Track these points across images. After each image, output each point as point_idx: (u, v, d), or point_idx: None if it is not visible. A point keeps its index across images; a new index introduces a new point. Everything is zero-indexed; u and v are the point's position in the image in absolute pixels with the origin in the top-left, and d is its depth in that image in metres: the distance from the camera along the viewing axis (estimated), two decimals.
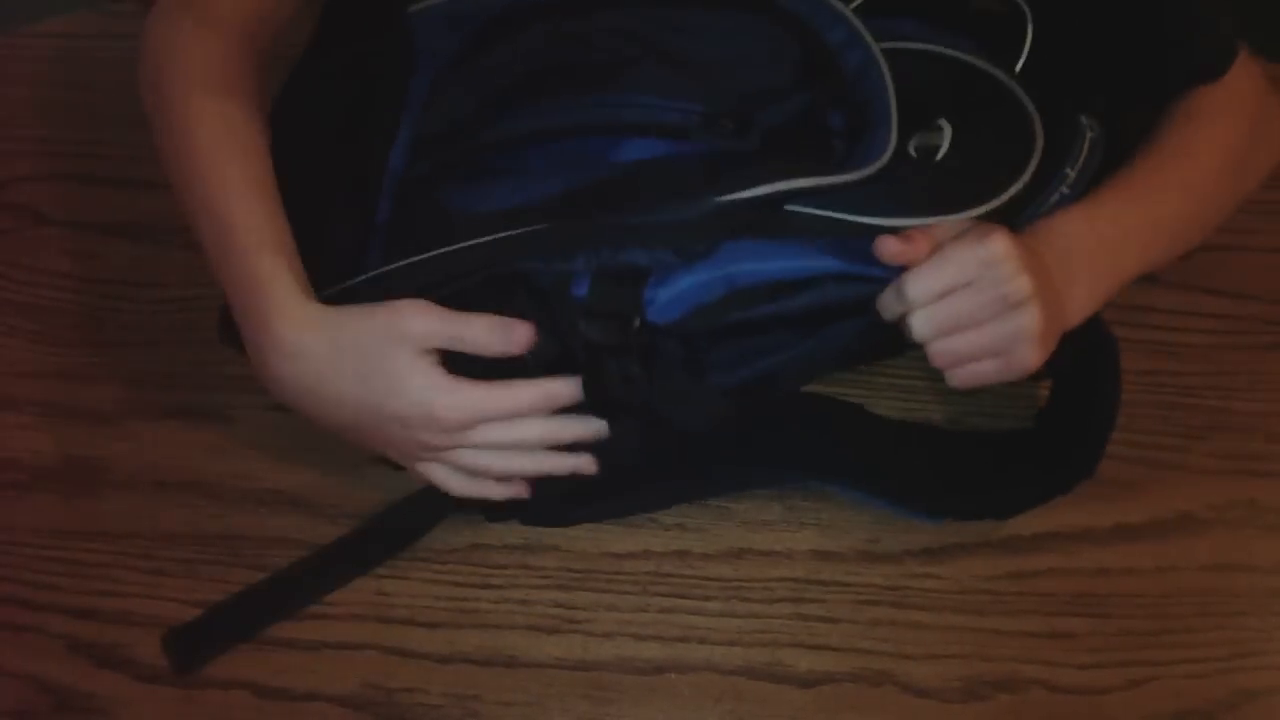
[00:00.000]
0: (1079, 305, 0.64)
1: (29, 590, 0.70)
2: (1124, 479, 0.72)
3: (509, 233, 0.59)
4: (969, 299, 0.59)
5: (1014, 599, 0.70)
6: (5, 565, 0.71)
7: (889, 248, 0.58)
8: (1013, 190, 0.61)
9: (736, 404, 0.64)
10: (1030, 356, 0.60)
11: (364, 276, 0.61)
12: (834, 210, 0.59)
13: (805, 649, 0.69)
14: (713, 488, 0.71)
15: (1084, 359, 0.67)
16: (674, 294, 0.61)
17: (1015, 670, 0.68)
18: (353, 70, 0.68)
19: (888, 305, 0.61)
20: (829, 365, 0.72)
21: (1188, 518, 0.72)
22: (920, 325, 0.60)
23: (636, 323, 0.60)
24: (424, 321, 0.58)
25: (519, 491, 0.65)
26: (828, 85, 0.63)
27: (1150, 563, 0.71)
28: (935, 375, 0.62)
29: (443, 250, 0.60)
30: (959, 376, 0.62)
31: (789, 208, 0.59)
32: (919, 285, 0.59)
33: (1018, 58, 0.66)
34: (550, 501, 0.67)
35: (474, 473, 0.63)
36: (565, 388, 0.61)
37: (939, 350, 0.60)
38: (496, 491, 0.64)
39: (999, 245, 0.58)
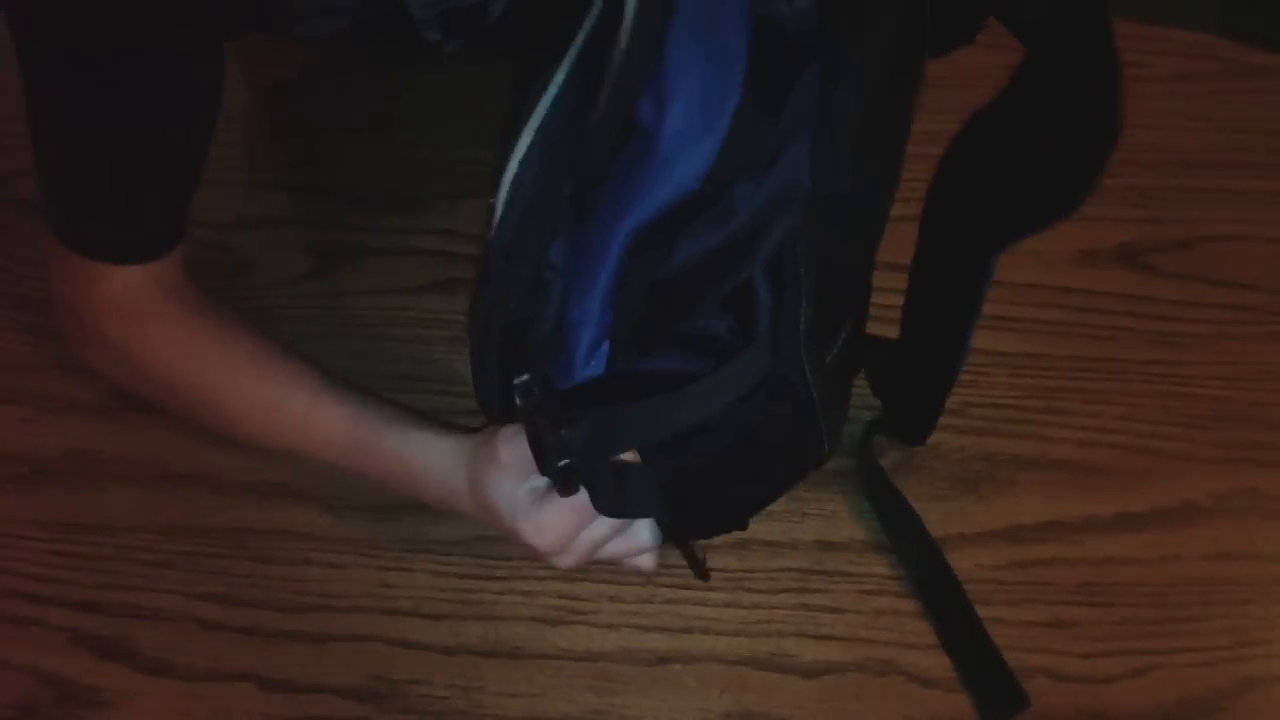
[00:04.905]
0: None
1: (31, 583, 0.70)
2: (1127, 468, 0.73)
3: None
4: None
5: (1017, 588, 0.70)
6: (7, 559, 0.71)
7: None
8: None
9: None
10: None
11: None
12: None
13: (810, 639, 0.69)
14: None
15: None
16: (580, 346, 0.54)
17: (1019, 659, 0.68)
18: None
19: None
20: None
21: (1190, 507, 0.72)
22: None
23: (517, 383, 0.54)
24: (509, 449, 0.58)
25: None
26: None
27: (1153, 552, 0.71)
28: None
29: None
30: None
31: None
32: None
33: None
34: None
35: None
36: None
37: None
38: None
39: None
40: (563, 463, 0.53)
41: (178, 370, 0.65)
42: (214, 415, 0.67)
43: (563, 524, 0.58)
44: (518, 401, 0.54)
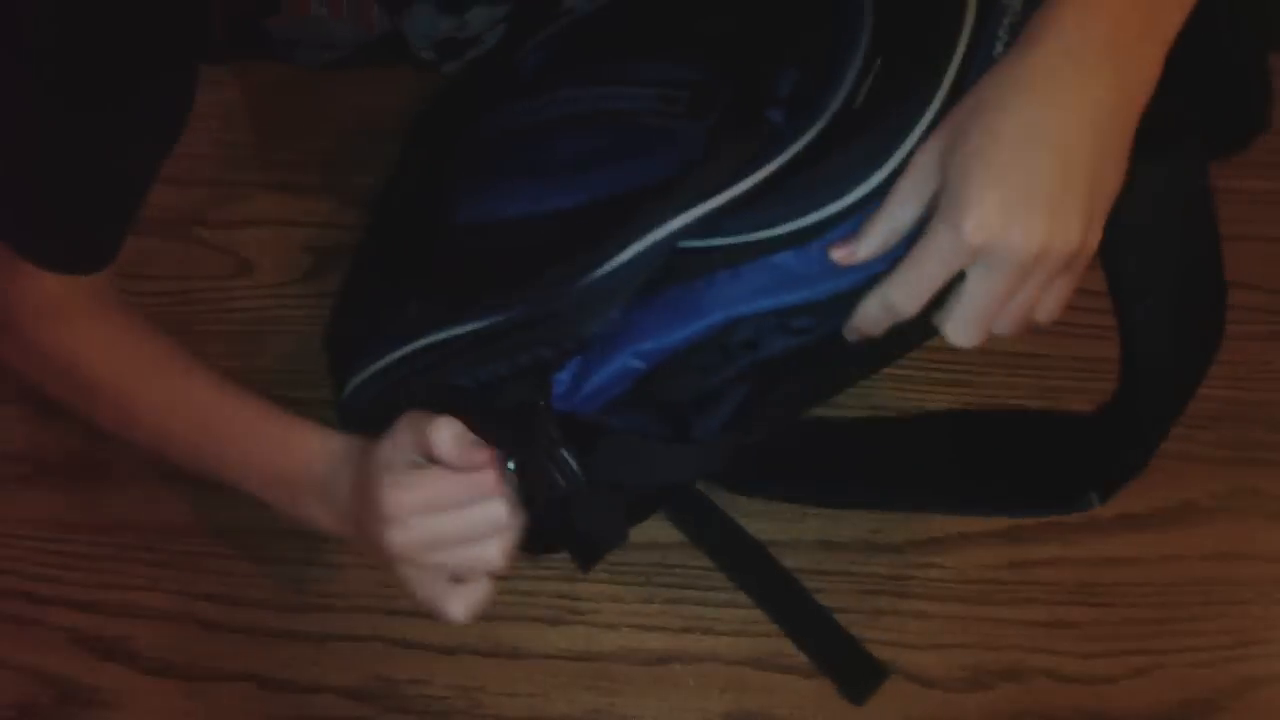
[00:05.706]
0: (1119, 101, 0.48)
1: (32, 583, 0.70)
2: None
3: (439, 335, 0.55)
4: (989, 280, 0.49)
5: (1017, 588, 0.70)
6: (8, 559, 0.71)
7: (838, 254, 0.49)
8: (945, 85, 0.48)
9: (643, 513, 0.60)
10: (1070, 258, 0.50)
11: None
12: (736, 231, 0.50)
13: None
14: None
15: None
16: (594, 385, 0.54)
17: (1019, 659, 0.68)
18: None
19: (871, 318, 0.51)
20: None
21: (1191, 507, 0.72)
22: (957, 331, 0.50)
23: (539, 410, 0.52)
24: (402, 434, 0.54)
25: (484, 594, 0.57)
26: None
27: (1153, 552, 0.71)
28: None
29: (388, 361, 0.58)
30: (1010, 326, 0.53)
31: (683, 245, 0.50)
32: (904, 293, 0.49)
33: None
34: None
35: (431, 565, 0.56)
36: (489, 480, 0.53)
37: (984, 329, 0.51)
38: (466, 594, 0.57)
39: (975, 217, 0.47)
40: (566, 480, 0.51)
41: (85, 361, 0.63)
42: (111, 407, 0.63)
43: (426, 492, 0.52)
44: (541, 403, 0.52)
